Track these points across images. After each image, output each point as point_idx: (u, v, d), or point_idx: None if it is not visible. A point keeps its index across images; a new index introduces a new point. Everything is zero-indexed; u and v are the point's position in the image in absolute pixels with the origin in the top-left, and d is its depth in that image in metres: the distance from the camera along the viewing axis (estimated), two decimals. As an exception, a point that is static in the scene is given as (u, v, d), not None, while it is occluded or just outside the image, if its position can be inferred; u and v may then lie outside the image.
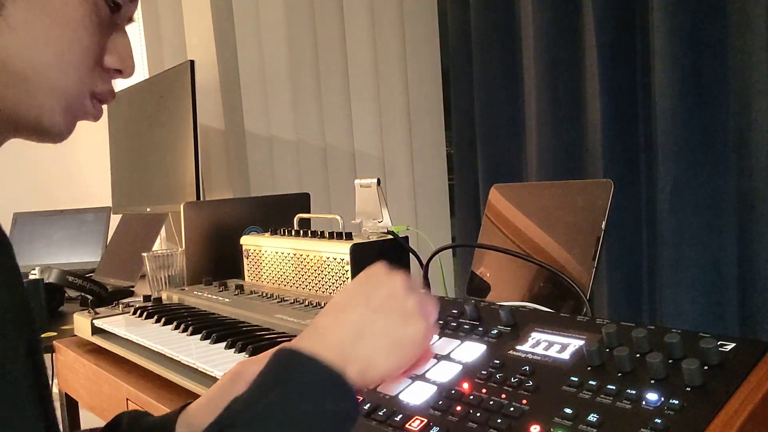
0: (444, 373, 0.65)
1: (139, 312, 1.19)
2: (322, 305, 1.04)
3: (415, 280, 0.61)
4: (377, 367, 0.54)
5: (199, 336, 0.99)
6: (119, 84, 2.31)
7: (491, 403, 0.58)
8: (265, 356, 0.69)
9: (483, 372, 0.63)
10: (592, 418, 0.52)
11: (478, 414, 0.57)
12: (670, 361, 0.55)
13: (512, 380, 0.60)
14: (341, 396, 0.51)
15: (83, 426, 1.66)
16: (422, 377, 0.65)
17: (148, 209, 2.10)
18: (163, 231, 2.02)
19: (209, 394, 0.70)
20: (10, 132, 0.58)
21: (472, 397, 0.60)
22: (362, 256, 1.09)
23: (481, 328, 0.70)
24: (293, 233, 1.24)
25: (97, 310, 1.26)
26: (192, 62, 1.90)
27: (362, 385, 0.53)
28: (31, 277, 1.53)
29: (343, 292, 0.60)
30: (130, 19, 0.63)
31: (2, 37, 0.53)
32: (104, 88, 0.61)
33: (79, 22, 0.56)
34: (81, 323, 1.23)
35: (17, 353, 0.53)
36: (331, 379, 0.51)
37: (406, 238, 1.15)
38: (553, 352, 0.62)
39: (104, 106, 0.63)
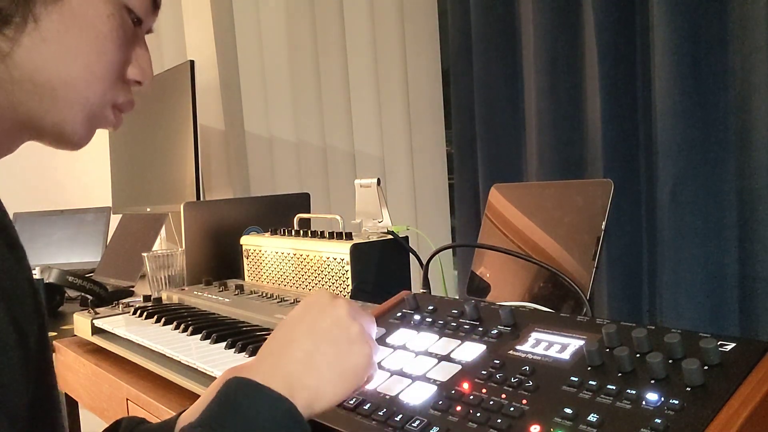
0: (444, 373, 0.65)
1: (139, 312, 1.19)
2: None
3: (354, 303, 0.61)
4: (325, 397, 0.55)
5: (199, 336, 0.99)
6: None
7: (491, 403, 0.58)
8: (250, 364, 0.70)
9: (483, 372, 0.63)
10: (592, 418, 0.52)
11: (478, 414, 0.57)
12: (670, 361, 0.55)
13: (512, 380, 0.60)
14: (293, 423, 0.52)
15: (83, 426, 1.66)
16: (422, 377, 0.65)
17: (148, 209, 2.10)
18: (163, 231, 2.02)
19: (198, 404, 0.70)
20: (29, 137, 0.60)
21: (472, 397, 0.60)
22: (362, 256, 1.09)
23: (481, 328, 0.70)
24: (293, 233, 1.24)
25: (97, 310, 1.26)
26: (192, 62, 1.90)
27: (310, 414, 0.53)
28: (31, 277, 1.52)
29: (288, 320, 0.60)
30: (149, 30, 0.64)
31: (34, 48, 0.54)
32: (125, 99, 0.63)
33: (106, 36, 0.57)
34: (81, 323, 1.23)
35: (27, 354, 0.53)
36: (281, 407, 0.51)
37: (406, 238, 1.15)
38: (553, 352, 0.62)
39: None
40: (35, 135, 0.59)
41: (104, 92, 0.59)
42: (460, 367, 0.65)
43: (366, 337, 0.59)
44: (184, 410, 0.71)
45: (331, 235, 1.15)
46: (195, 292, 1.27)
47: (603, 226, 0.90)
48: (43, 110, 0.56)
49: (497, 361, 0.64)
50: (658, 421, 0.49)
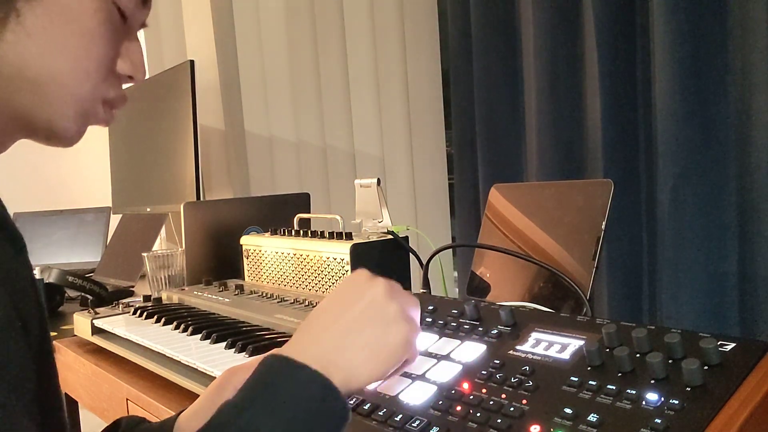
0: (444, 373, 0.65)
1: (139, 312, 1.19)
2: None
3: (395, 284, 0.60)
4: (360, 376, 0.55)
5: (199, 336, 0.99)
6: (119, 84, 2.31)
7: (491, 403, 0.58)
8: (251, 364, 0.70)
9: (483, 372, 0.63)
10: (592, 418, 0.52)
11: (478, 414, 0.57)
12: (670, 361, 0.55)
13: (512, 380, 0.60)
14: (332, 399, 0.52)
15: (83, 426, 1.66)
16: (422, 377, 0.65)
17: (148, 209, 2.10)
18: (163, 231, 2.02)
19: (198, 404, 0.70)
20: (21, 134, 0.59)
21: (472, 397, 0.60)
22: (362, 256, 1.09)
23: (481, 328, 0.71)
24: (293, 233, 1.24)
25: (97, 310, 1.26)
26: (192, 62, 1.90)
27: (347, 392, 0.54)
28: (31, 277, 1.52)
29: (325, 301, 0.60)
30: (143, 24, 0.64)
31: (20, 44, 0.54)
32: (116, 94, 0.62)
33: (94, 31, 0.57)
34: (81, 323, 1.23)
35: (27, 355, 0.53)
36: (319, 383, 0.52)
37: (406, 238, 1.15)
38: (553, 352, 0.62)
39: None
40: (27, 133, 0.59)
41: (94, 88, 0.58)
42: (460, 367, 0.65)
43: (405, 317, 0.58)
44: (183, 410, 0.71)
45: (331, 235, 1.15)
46: (195, 292, 1.27)
47: (603, 226, 0.90)
48: (34, 107, 0.56)
49: (497, 361, 0.64)
50: (658, 421, 0.49)
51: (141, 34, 0.67)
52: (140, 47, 0.63)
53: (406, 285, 1.16)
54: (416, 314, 0.60)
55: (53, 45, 0.55)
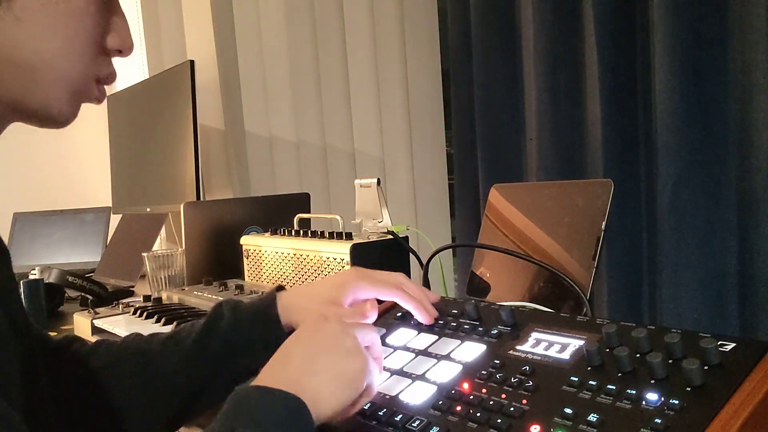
0: (444, 373, 0.65)
1: (139, 312, 1.19)
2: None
3: (351, 320, 0.67)
4: (326, 401, 0.56)
5: (199, 336, 0.99)
6: (119, 84, 2.31)
7: (491, 403, 0.58)
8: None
9: (483, 372, 0.63)
10: (592, 418, 0.52)
11: (479, 414, 0.57)
12: (670, 361, 0.55)
13: (512, 380, 0.60)
14: (305, 419, 0.54)
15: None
16: (422, 377, 0.65)
17: (148, 209, 2.10)
18: (163, 231, 2.01)
19: (299, 289, 0.78)
20: (14, 118, 0.59)
21: (472, 397, 0.60)
22: (362, 256, 1.09)
23: (481, 328, 0.71)
24: (293, 233, 1.24)
25: (97, 310, 1.26)
26: (192, 62, 1.90)
27: (315, 419, 0.55)
28: (31, 277, 1.52)
29: (285, 343, 0.63)
30: None
31: (10, 29, 0.53)
32: (108, 71, 0.61)
33: (83, 9, 0.56)
34: (81, 323, 1.23)
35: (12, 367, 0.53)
36: (293, 403, 0.53)
37: (406, 238, 1.15)
38: (553, 352, 0.62)
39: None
40: (20, 116, 0.58)
41: (86, 67, 0.58)
42: (460, 367, 0.65)
43: (361, 349, 0.61)
44: (280, 287, 0.78)
45: (331, 235, 1.15)
46: (195, 292, 1.27)
47: (603, 226, 0.90)
48: (26, 92, 0.55)
49: (497, 361, 0.64)
50: (658, 421, 0.49)
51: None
52: (125, 20, 0.62)
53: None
54: (372, 340, 0.65)
55: (44, 28, 0.54)
